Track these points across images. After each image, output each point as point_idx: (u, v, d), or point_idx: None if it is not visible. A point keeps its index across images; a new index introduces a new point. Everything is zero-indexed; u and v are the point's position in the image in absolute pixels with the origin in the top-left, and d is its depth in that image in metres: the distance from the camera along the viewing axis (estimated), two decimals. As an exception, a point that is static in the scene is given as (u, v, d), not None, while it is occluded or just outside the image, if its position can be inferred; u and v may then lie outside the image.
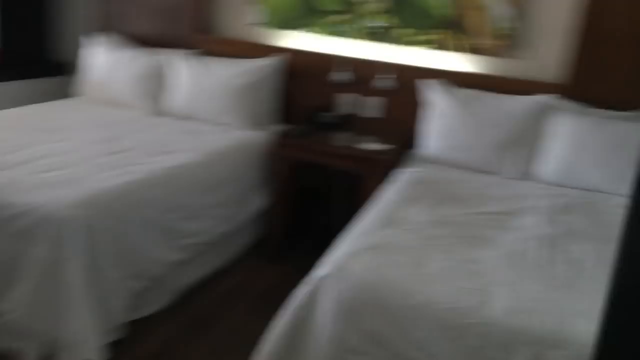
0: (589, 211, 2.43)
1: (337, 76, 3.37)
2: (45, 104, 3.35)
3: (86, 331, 2.01)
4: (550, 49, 3.08)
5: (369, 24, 3.34)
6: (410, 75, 3.26)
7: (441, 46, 3.23)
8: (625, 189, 2.64)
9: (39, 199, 2.04)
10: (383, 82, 3.30)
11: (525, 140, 2.85)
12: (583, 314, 1.55)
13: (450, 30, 3.19)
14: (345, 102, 3.42)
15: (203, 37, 3.63)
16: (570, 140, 2.75)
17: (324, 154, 3.02)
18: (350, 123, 3.39)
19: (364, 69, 3.34)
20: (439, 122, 2.99)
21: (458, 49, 3.20)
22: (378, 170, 2.90)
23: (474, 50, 3.18)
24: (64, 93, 3.88)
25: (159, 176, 2.43)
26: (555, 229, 2.18)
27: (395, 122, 3.33)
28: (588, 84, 2.99)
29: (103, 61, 3.51)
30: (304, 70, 3.45)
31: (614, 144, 2.67)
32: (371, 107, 3.38)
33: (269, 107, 3.39)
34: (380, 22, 3.32)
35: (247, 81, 3.27)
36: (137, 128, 3.05)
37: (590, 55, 2.96)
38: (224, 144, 2.96)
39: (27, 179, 2.18)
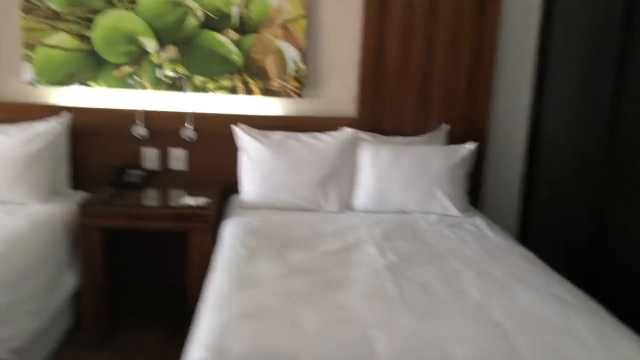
0: (409, 234, 2.63)
1: (135, 131, 3.16)
2: None
3: None
4: (339, 87, 3.29)
5: (160, 74, 3.19)
6: (210, 123, 3.20)
7: (235, 91, 3.23)
8: (430, 207, 2.93)
9: None
10: (184, 132, 3.18)
11: (338, 174, 2.98)
12: (459, 340, 1.65)
13: (242, 75, 3.21)
14: (149, 158, 3.21)
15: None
16: (376, 169, 2.96)
17: (139, 217, 2.77)
18: (157, 179, 3.20)
19: (163, 121, 3.19)
20: (254, 167, 2.98)
21: (252, 92, 3.23)
22: (202, 226, 2.77)
23: (269, 93, 3.24)
24: None
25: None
26: (391, 258, 2.31)
27: (203, 172, 3.24)
28: (378, 115, 3.26)
29: None
30: (97, 127, 3.16)
31: (413, 167, 2.94)
32: (176, 159, 3.23)
33: (61, 173, 3.02)
34: (170, 71, 3.19)
35: (32, 149, 2.85)
36: None
37: (375, 89, 3.24)
38: (18, 225, 2.53)
39: None
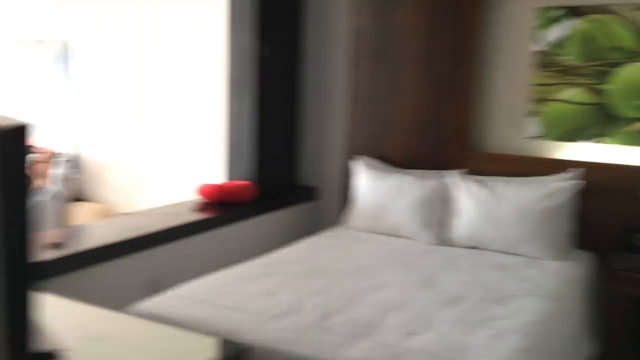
0: None
1: (646, 191, 2.86)
2: (317, 237, 3.07)
3: None
4: None
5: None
6: None
7: None
8: None
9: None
10: None
11: None
12: None
13: None
14: (662, 222, 2.87)
15: (472, 154, 3.29)
16: None
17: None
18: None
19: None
20: None
21: None
22: None
23: None
24: (316, 220, 3.67)
25: (525, 336, 1.97)
26: None
27: None
28: None
29: (369, 186, 3.24)
30: (601, 185, 2.97)
31: None
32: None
33: (568, 231, 2.91)
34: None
35: (550, 204, 2.83)
36: (437, 264, 2.66)
37: None
38: (552, 283, 2.47)
39: (401, 350, 1.80)
